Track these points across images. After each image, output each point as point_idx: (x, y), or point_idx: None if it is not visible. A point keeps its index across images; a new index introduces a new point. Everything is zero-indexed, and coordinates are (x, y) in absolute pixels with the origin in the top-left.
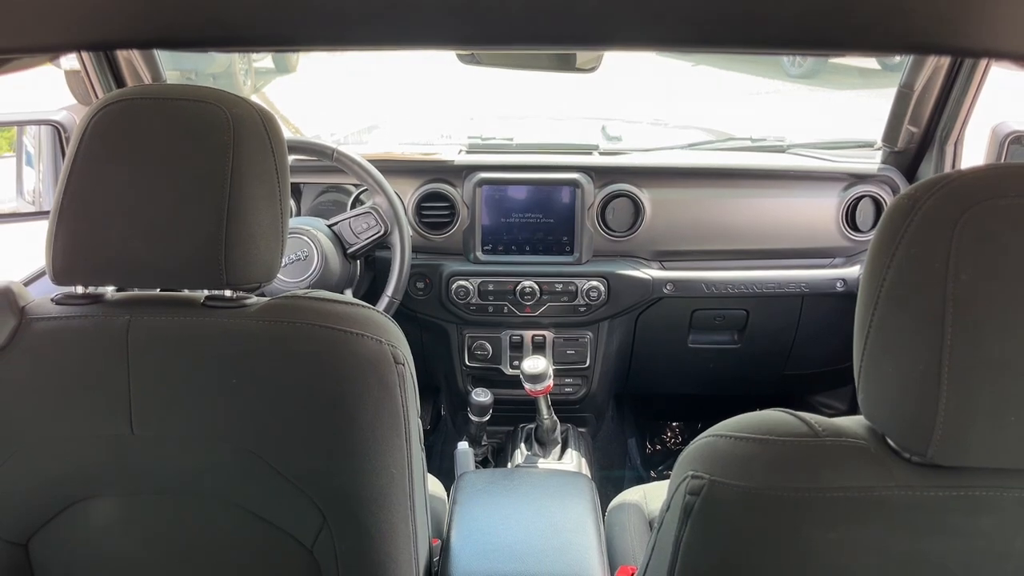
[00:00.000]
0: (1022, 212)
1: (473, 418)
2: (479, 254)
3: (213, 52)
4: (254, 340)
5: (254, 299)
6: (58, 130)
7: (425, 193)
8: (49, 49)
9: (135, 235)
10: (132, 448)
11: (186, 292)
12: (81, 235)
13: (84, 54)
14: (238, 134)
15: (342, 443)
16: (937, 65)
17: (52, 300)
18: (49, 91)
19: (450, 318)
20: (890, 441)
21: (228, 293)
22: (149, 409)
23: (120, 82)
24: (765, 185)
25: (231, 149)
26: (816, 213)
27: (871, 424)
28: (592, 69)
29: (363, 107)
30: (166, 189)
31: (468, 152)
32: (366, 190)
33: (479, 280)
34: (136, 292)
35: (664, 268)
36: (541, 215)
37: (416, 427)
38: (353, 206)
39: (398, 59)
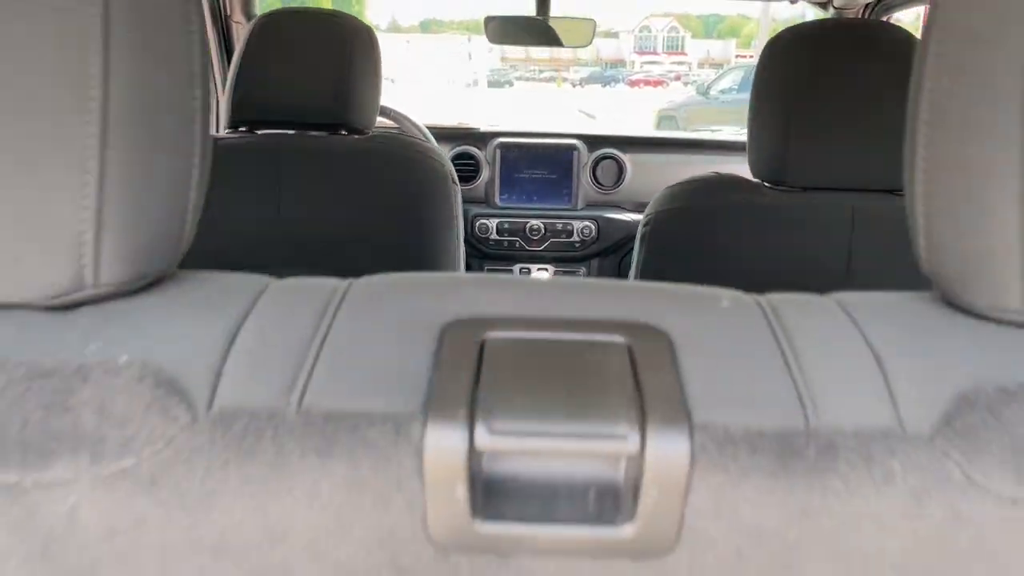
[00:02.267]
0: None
1: None
2: (497, 201)
3: None
4: (361, 150)
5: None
6: None
7: (456, 153)
8: None
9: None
10: (277, 226)
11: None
12: (255, 94)
13: None
14: (356, 35)
15: (416, 224)
16: None
17: (226, 131)
18: None
19: (473, 252)
20: (764, 183)
21: (344, 133)
22: (291, 198)
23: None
24: (729, 153)
25: (349, 45)
26: None
27: (756, 176)
28: (585, 44)
29: None
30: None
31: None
32: None
33: (497, 219)
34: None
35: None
36: (547, 171)
37: (460, 229)
38: None
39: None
